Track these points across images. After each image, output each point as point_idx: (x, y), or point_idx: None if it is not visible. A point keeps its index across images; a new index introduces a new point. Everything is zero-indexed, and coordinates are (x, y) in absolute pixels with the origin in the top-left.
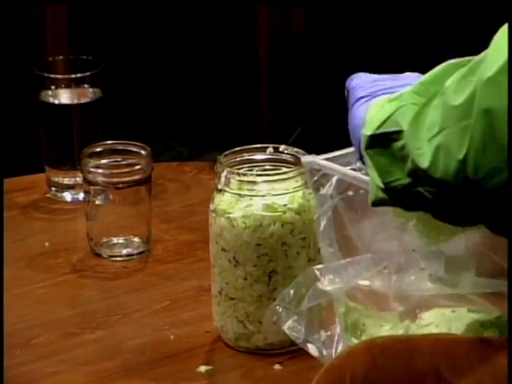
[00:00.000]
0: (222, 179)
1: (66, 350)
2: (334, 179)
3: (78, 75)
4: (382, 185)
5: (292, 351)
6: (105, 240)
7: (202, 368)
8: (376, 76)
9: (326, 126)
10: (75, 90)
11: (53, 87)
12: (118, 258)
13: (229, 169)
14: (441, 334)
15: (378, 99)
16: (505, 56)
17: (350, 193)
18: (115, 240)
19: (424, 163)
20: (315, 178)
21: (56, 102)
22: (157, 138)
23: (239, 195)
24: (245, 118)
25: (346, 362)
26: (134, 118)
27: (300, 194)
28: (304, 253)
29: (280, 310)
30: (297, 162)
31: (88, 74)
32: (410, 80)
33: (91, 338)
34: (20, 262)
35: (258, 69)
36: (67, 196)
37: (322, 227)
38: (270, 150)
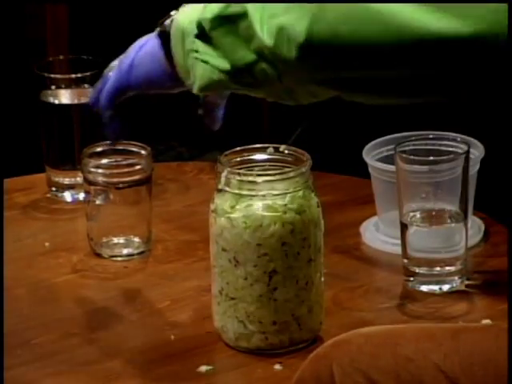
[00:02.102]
0: (223, 179)
1: (66, 350)
2: None
3: (78, 75)
4: (227, 64)
5: (292, 351)
6: (105, 240)
7: (202, 368)
8: None
9: (325, 126)
10: (75, 89)
11: (53, 87)
12: (119, 258)
13: (229, 169)
14: (425, 324)
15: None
16: None
17: None
18: (115, 240)
19: (268, 42)
20: None
21: (56, 102)
22: (157, 138)
23: (239, 195)
24: (245, 117)
25: (330, 351)
26: (133, 117)
27: (300, 194)
28: (304, 253)
29: None
30: (297, 162)
31: (88, 74)
32: None
33: (91, 337)
34: (20, 261)
35: None
36: (67, 196)
37: None
38: (270, 150)
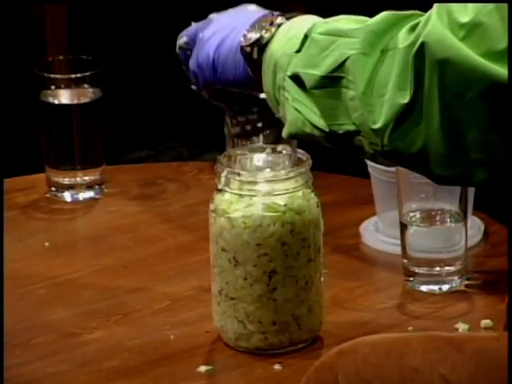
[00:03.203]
0: (222, 179)
1: (66, 350)
2: None
3: (78, 75)
4: (325, 125)
5: (292, 351)
6: None
7: (202, 368)
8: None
9: None
10: (75, 90)
11: (53, 87)
12: None
13: (229, 169)
14: (431, 332)
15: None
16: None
17: None
18: None
19: (375, 124)
20: None
21: (56, 102)
22: (157, 138)
23: (239, 195)
24: None
25: (336, 361)
26: (134, 118)
27: (300, 194)
28: (304, 253)
29: None
30: (297, 162)
31: (88, 74)
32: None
33: (91, 337)
34: (20, 262)
35: None
36: (67, 196)
37: None
38: (270, 150)
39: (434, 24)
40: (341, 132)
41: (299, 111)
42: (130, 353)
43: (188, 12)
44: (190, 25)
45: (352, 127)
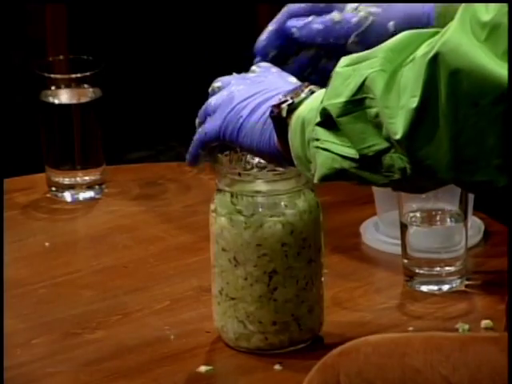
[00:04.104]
0: (223, 179)
1: (66, 350)
2: None
3: (78, 75)
4: (355, 152)
5: (292, 351)
6: None
7: (202, 368)
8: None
9: None
10: (75, 89)
11: (53, 87)
12: None
13: (229, 169)
14: (433, 332)
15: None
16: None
17: None
18: None
19: (396, 135)
20: None
21: (56, 101)
22: (157, 138)
23: (239, 195)
24: None
25: (338, 361)
26: (134, 117)
27: (300, 194)
28: (304, 253)
29: None
30: None
31: (88, 74)
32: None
33: (91, 338)
34: (20, 261)
35: None
36: (67, 196)
37: None
38: None
39: (452, 32)
40: (371, 154)
41: (329, 150)
42: (130, 353)
43: (187, 12)
44: (188, 25)
45: (383, 145)
